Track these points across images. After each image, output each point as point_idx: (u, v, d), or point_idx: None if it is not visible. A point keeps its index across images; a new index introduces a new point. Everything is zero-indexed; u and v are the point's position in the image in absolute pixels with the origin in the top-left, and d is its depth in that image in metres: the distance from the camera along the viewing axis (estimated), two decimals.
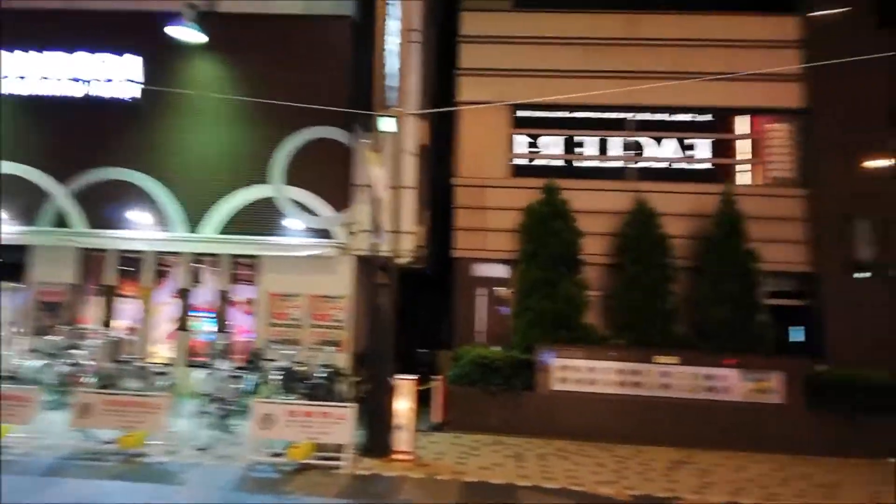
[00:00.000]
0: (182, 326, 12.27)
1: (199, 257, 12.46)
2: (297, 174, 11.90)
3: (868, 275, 12.03)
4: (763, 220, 12.28)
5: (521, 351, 10.96)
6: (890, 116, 12.54)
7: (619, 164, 13.36)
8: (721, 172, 13.24)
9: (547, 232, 11.78)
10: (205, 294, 12.51)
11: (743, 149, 13.34)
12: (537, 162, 13.50)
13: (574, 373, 10.52)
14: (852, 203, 12.23)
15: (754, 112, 13.18)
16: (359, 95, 10.48)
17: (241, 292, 12.43)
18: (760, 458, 9.18)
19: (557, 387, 10.47)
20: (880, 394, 9.97)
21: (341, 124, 11.68)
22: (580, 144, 13.49)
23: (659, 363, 10.49)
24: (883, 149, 12.47)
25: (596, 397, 10.39)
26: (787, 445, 9.77)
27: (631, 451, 9.34)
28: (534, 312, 11.39)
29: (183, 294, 12.37)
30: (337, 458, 7.54)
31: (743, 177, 13.24)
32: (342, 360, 11.33)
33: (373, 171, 9.34)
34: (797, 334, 12.92)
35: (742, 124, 13.33)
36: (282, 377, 10.30)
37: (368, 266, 9.67)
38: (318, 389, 9.93)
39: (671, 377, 10.43)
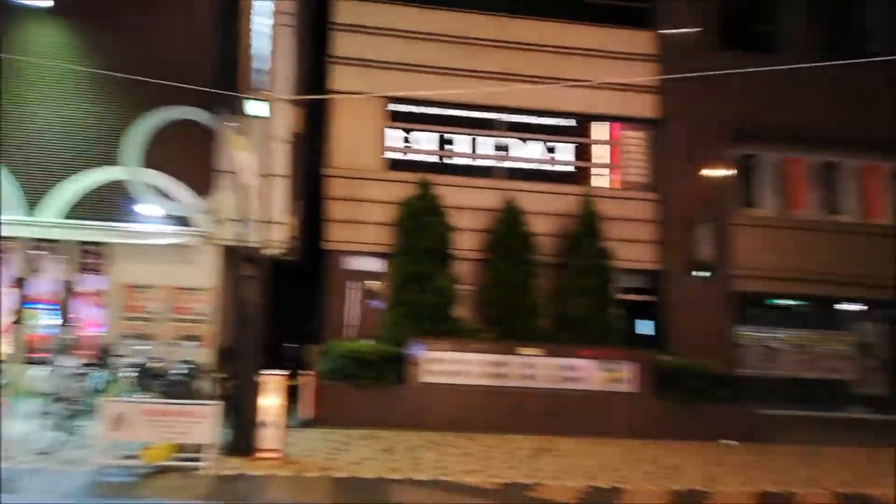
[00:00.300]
0: (18, 319, 11.01)
1: (39, 243, 11.22)
2: (156, 157, 11.05)
3: (705, 274, 13.28)
4: (618, 221, 13.19)
5: (394, 344, 10.98)
6: (729, 131, 13.94)
7: (490, 162, 13.76)
8: (582, 175, 14.05)
9: (421, 226, 11.89)
10: (46, 284, 11.30)
11: (602, 154, 14.24)
12: (411, 157, 13.57)
13: (444, 365, 10.71)
14: (695, 208, 13.44)
15: (613, 119, 14.10)
16: (226, 76, 9.92)
17: (90, 283, 11.36)
18: (613, 444, 9.87)
19: (428, 379, 10.60)
20: (713, 382, 11.10)
21: (206, 106, 11.00)
22: (452, 142, 13.73)
23: (523, 355, 10.95)
24: (723, 160, 13.84)
25: (465, 389, 10.65)
26: (637, 431, 10.59)
27: (497, 440, 9.67)
28: (407, 306, 11.46)
29: (20, 284, 11.09)
30: (198, 460, 7.13)
31: (602, 180, 14.13)
32: (205, 355, 10.72)
33: (240, 157, 8.90)
34: (645, 327, 14.04)
35: (602, 130, 14.23)
36: (136, 374, 9.55)
37: (234, 257, 9.20)
38: (176, 387, 9.30)
39: (535, 368, 10.93)
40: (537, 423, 10.48)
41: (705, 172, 13.60)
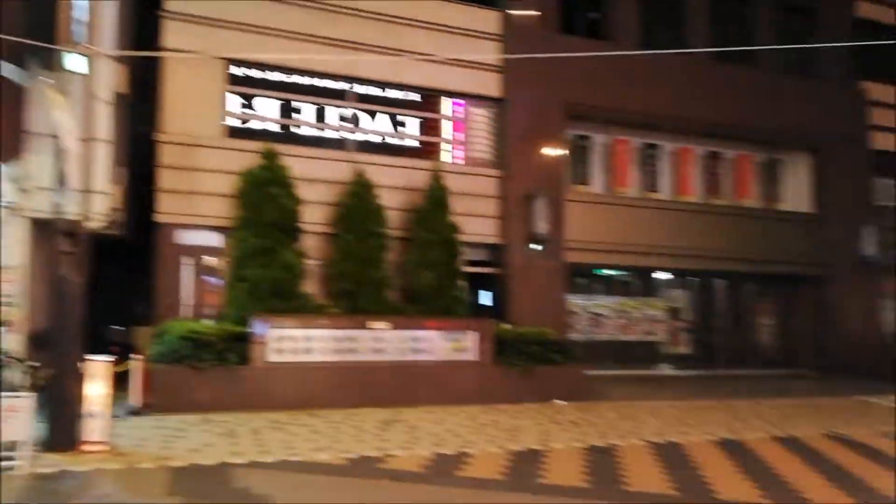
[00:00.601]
0: None
1: None
2: None
3: (540, 247, 14.13)
4: (465, 196, 13.58)
5: (236, 323, 10.48)
6: (565, 112, 14.82)
7: (339, 134, 13.48)
8: (431, 150, 14.23)
9: (265, 198, 11.39)
10: None
11: (450, 129, 14.51)
12: (255, 124, 12.90)
13: (290, 343, 10.44)
14: (533, 185, 14.18)
15: (461, 96, 14.39)
16: (42, 26, 8.71)
17: None
18: (457, 411, 10.26)
19: (274, 358, 10.28)
20: (547, 347, 11.90)
21: (16, 58, 9.57)
22: (300, 111, 13.24)
23: (372, 329, 10.98)
24: (560, 140, 14.71)
25: (312, 366, 10.47)
26: (481, 397, 11.08)
27: (348, 415, 9.65)
28: (250, 282, 10.98)
29: None
30: (11, 458, 6.35)
31: (449, 155, 14.42)
32: (14, 341, 9.51)
33: (56, 118, 7.89)
34: (488, 298, 14.70)
35: (449, 106, 14.47)
36: None
37: (49, 231, 8.19)
38: None
39: (383, 341, 11.01)
40: (387, 396, 10.61)
41: (543, 151, 14.39)
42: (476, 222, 13.80)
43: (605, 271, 16.78)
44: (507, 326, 12.40)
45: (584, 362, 13.08)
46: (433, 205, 12.81)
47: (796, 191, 17.91)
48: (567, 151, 15.23)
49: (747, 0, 17.18)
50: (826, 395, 13.40)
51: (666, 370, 16.68)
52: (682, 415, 10.56)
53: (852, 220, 17.07)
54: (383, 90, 13.81)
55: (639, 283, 17.21)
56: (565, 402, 11.29)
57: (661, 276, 17.25)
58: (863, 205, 17.46)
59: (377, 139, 13.78)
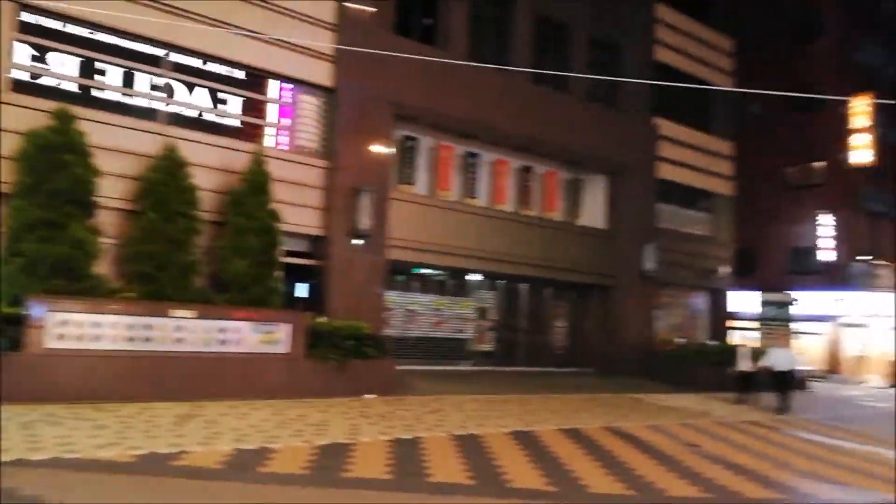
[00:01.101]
0: None
1: None
2: None
3: (362, 242, 14.16)
4: (287, 184, 13.19)
5: (9, 304, 9.17)
6: (394, 111, 14.99)
7: (149, 103, 12.37)
8: (255, 132, 13.61)
9: (55, 165, 10.08)
10: None
11: (276, 113, 13.99)
12: (48, 81, 11.38)
13: (75, 328, 9.38)
14: (360, 179, 14.15)
15: (290, 80, 13.94)
16: None
17: None
18: (265, 406, 9.92)
19: (54, 345, 9.16)
20: (362, 341, 11.97)
21: None
22: (105, 73, 11.94)
23: (173, 317, 10.23)
24: (388, 138, 14.83)
25: (101, 355, 9.50)
26: (290, 391, 10.81)
27: (138, 409, 8.88)
28: (27, 258, 9.67)
29: None
30: None
31: (273, 140, 13.90)
32: None
33: None
34: (304, 290, 14.41)
35: (277, 89, 13.95)
36: None
37: None
38: None
39: (186, 331, 10.32)
40: (188, 390, 9.94)
41: (371, 147, 14.42)
42: (298, 212, 13.46)
43: (423, 270, 17.28)
44: (323, 319, 12.25)
45: (396, 357, 13.39)
46: (252, 190, 12.23)
47: (593, 208, 19.86)
48: (394, 150, 15.44)
49: (566, 31, 18.70)
50: (605, 391, 15.04)
51: (472, 366, 17.59)
52: (483, 408, 11.21)
53: (637, 238, 19.32)
54: (205, 63, 12.94)
55: (453, 283, 17.97)
56: (373, 396, 11.42)
57: (473, 277, 18.15)
58: (647, 225, 19.84)
59: (193, 114, 12.86)
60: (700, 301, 22.75)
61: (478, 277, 18.18)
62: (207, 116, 13.02)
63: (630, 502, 6.32)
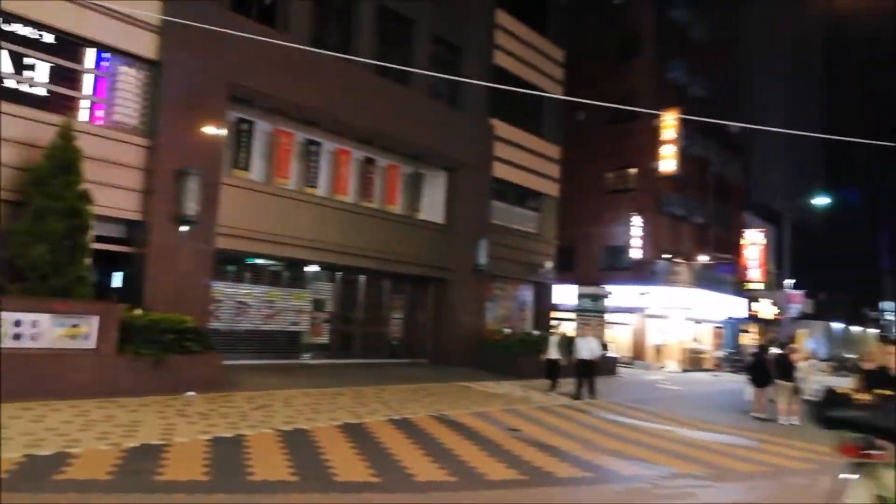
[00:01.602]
0: None
1: None
2: None
3: (187, 228, 13.26)
4: (100, 163, 12.01)
5: None
6: (227, 92, 14.18)
7: None
8: (66, 104, 12.22)
9: None
10: None
11: (90, 85, 12.66)
12: None
13: None
14: (186, 161, 13.22)
15: (108, 49, 12.67)
16: None
17: None
18: (66, 406, 8.95)
19: None
20: (184, 335, 11.22)
21: None
22: None
23: None
24: (220, 120, 13.98)
25: None
26: (98, 390, 9.82)
27: None
28: None
29: None
30: None
31: (87, 114, 12.57)
32: None
33: None
34: (120, 280, 13.22)
35: (93, 58, 12.63)
36: None
37: None
38: None
39: None
40: None
41: (201, 128, 13.52)
42: (113, 193, 12.29)
43: (257, 260, 16.61)
44: (138, 312, 11.30)
45: (224, 351, 12.73)
46: (58, 167, 10.91)
47: (433, 203, 20.32)
48: (227, 133, 14.64)
49: (410, 26, 18.88)
50: (437, 381, 15.49)
51: (306, 359, 17.23)
52: (314, 402, 11.04)
53: (472, 233, 20.08)
54: (8, 23, 11.36)
55: (288, 274, 17.46)
56: (195, 394, 10.78)
57: (310, 268, 17.78)
58: (481, 221, 20.68)
59: None
60: (527, 294, 24.22)
61: (315, 269, 17.84)
62: (9, 83, 11.44)
63: (452, 488, 6.57)
